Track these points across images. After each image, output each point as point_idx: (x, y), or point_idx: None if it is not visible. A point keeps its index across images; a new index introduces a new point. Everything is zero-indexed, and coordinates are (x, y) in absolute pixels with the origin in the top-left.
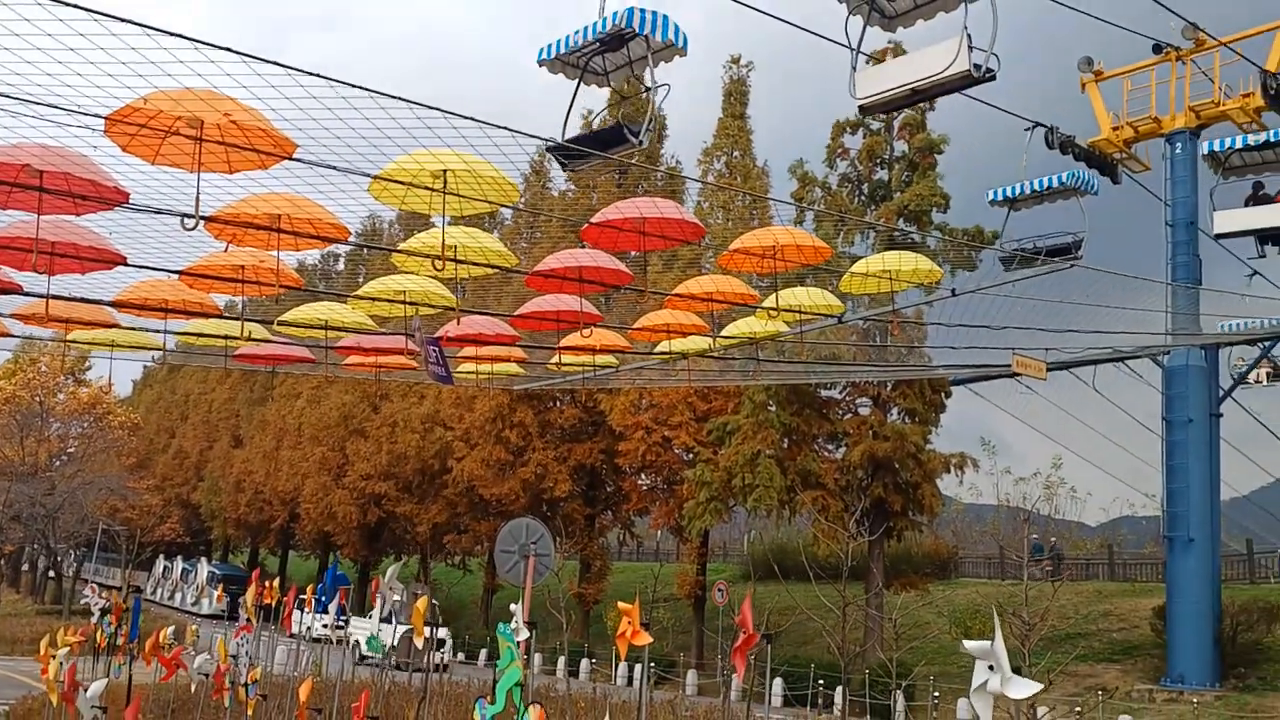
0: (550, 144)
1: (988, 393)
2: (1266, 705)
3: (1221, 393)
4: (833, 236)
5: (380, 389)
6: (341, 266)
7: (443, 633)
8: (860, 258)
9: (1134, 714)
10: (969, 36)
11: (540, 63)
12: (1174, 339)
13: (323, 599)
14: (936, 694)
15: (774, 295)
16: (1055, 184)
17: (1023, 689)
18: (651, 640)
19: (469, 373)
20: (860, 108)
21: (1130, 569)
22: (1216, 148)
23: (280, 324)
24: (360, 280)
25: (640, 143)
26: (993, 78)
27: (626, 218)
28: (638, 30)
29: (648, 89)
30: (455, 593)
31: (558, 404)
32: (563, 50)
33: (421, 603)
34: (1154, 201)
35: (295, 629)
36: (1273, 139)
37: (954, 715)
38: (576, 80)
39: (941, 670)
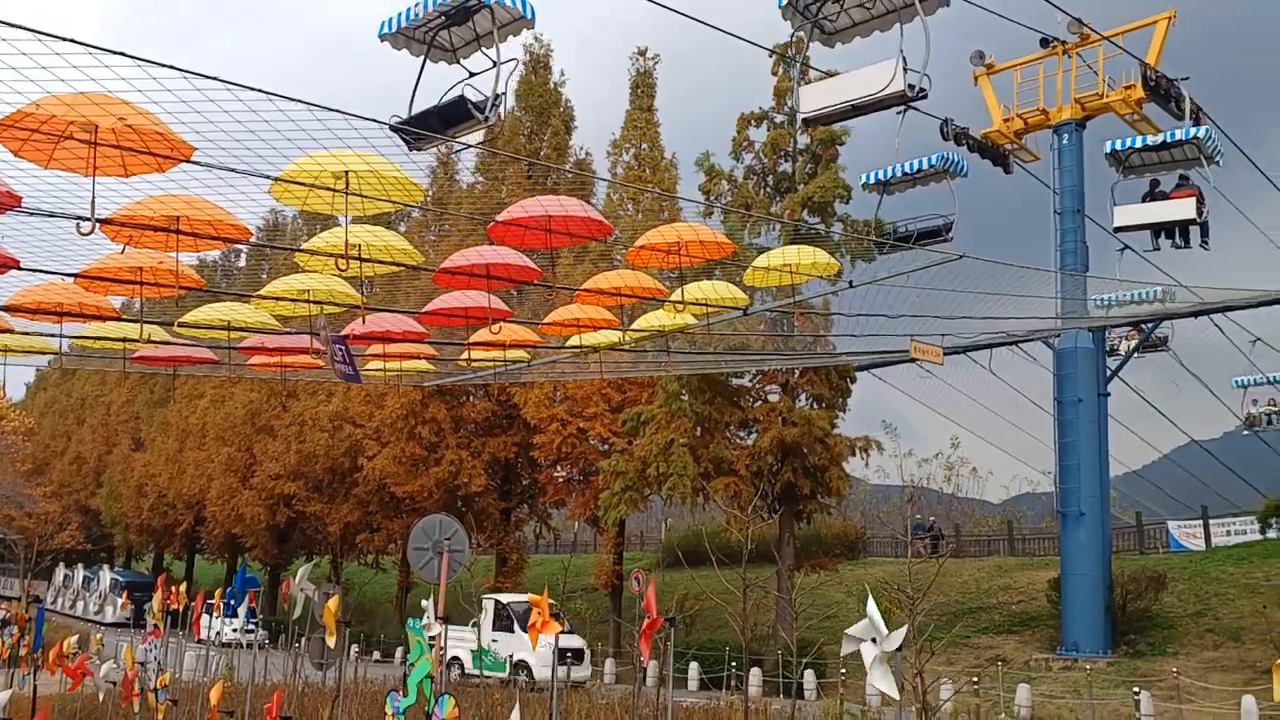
0: (393, 121)
1: (890, 377)
2: (1154, 669)
3: (1109, 373)
4: (740, 228)
5: (287, 387)
6: (244, 263)
7: (578, 642)
8: (767, 248)
9: (1031, 683)
10: (904, 59)
11: (382, 37)
12: (1063, 322)
13: (232, 602)
14: (844, 670)
15: (680, 289)
16: (926, 166)
17: (894, 639)
18: (562, 629)
19: (377, 370)
20: (803, 120)
21: (1029, 543)
22: (1118, 147)
23: (181, 325)
24: (264, 277)
25: (487, 119)
26: (925, 96)
27: (532, 216)
28: (483, 1)
29: (496, 64)
30: (368, 592)
31: (470, 399)
32: (404, 24)
33: (333, 602)
34: (1044, 190)
35: (204, 634)
36: (1169, 140)
37: (863, 691)
38: (422, 57)
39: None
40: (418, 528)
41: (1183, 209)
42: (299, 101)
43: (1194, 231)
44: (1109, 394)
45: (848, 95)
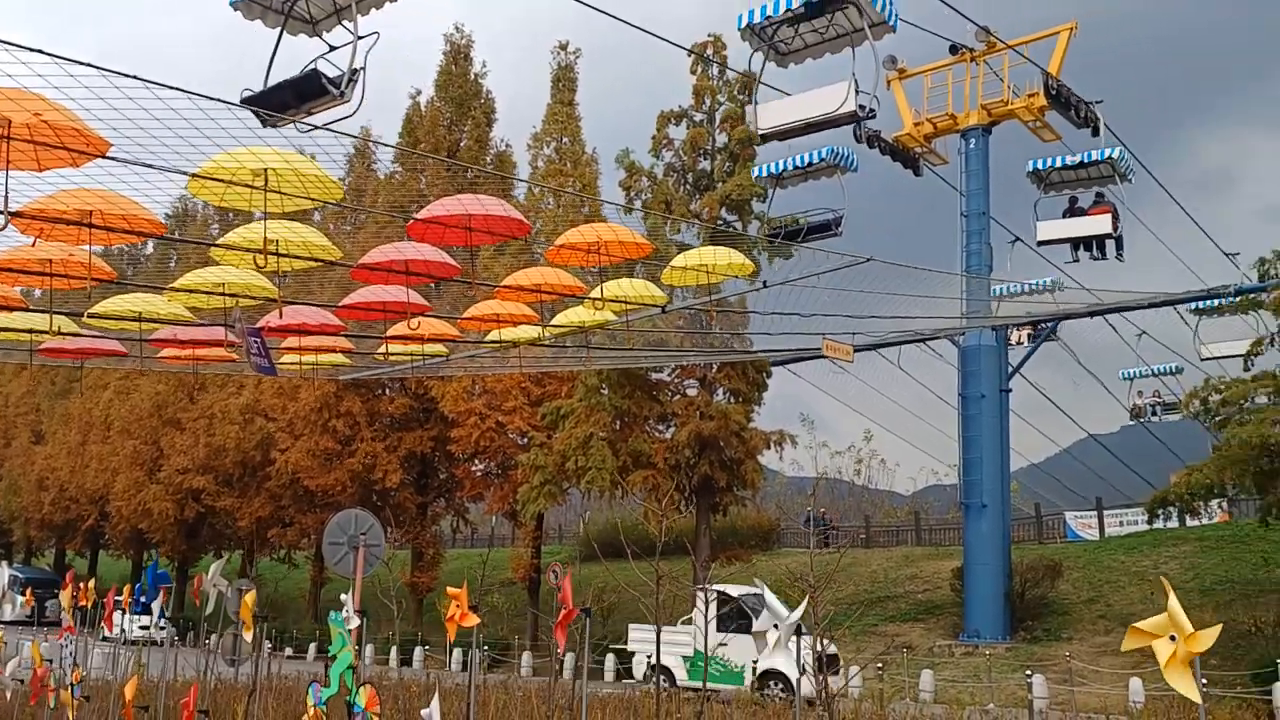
0: (245, 96)
1: (805, 372)
2: (1050, 654)
3: (1010, 369)
4: (660, 225)
5: (196, 379)
6: (150, 249)
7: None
8: (687, 245)
9: (935, 669)
10: (856, 81)
11: (234, 5)
12: (967, 321)
13: (142, 599)
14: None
15: (600, 287)
16: (817, 160)
17: (792, 617)
18: (480, 621)
19: (293, 363)
20: (761, 136)
21: (935, 534)
22: (1039, 167)
23: (91, 316)
24: (172, 265)
25: (343, 94)
26: (873, 116)
27: (453, 214)
28: None
29: (355, 37)
30: (281, 587)
31: (387, 392)
32: None
33: (249, 597)
34: (952, 191)
35: (115, 631)
36: (1085, 160)
37: None
38: (279, 29)
39: None
40: (333, 522)
41: (1099, 224)
42: (136, 79)
43: (1109, 245)
44: (1010, 390)
45: (803, 114)
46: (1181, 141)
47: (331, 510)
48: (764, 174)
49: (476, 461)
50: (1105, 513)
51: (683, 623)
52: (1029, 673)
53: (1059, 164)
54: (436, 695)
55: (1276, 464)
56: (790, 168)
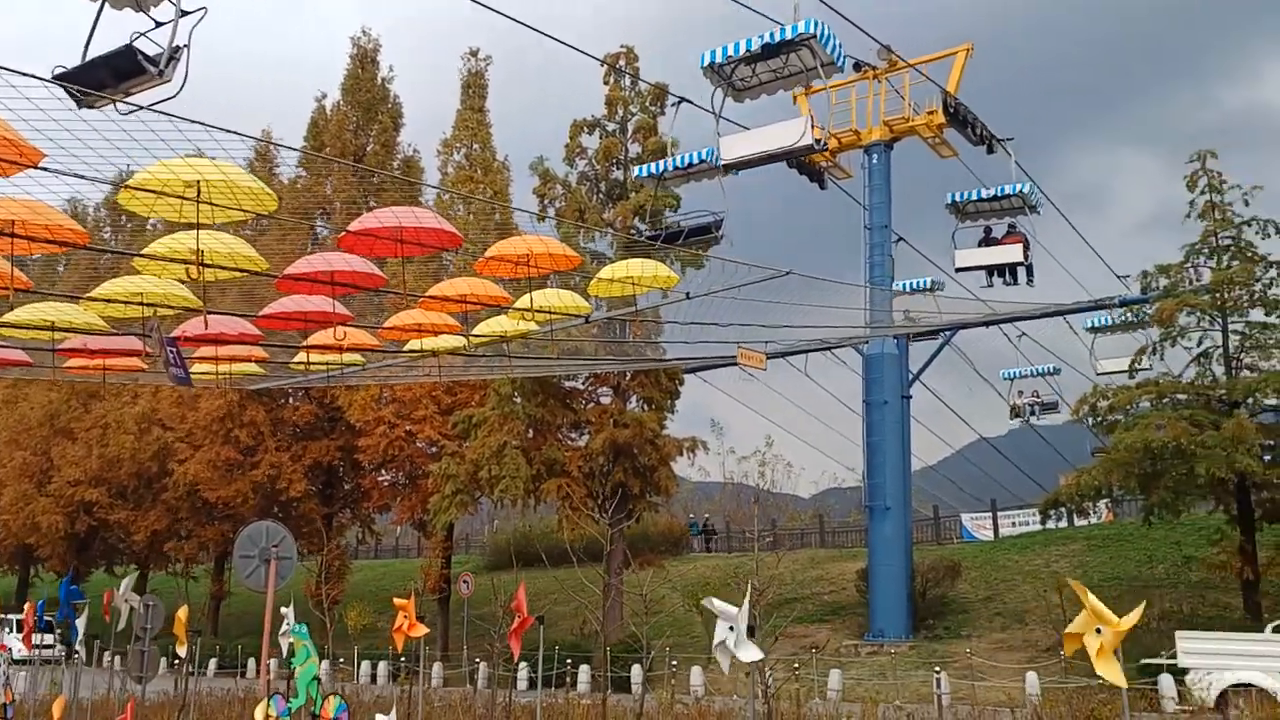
0: (57, 72)
1: (715, 379)
2: (951, 651)
3: (911, 376)
4: (573, 234)
5: (88, 388)
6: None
7: None
8: (601, 254)
9: (843, 667)
10: (812, 117)
11: None
12: (871, 331)
13: (45, 617)
14: (675, 661)
15: (528, 297)
16: (697, 161)
17: (749, 653)
18: (428, 631)
19: (207, 373)
20: (724, 166)
21: (839, 536)
22: (957, 199)
23: (2, 325)
24: (60, 269)
25: (161, 73)
26: (826, 149)
27: (385, 226)
28: None
29: (185, 13)
30: (178, 602)
31: (291, 400)
32: None
33: (182, 611)
34: (856, 206)
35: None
36: (999, 194)
37: (688, 681)
38: (99, 1)
39: (677, 641)
40: (244, 535)
41: (1012, 253)
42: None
43: (1021, 272)
44: (911, 396)
45: (764, 146)
46: (1062, 157)
47: (232, 523)
48: (644, 174)
49: (384, 471)
50: (999, 514)
51: (1274, 629)
52: (937, 669)
53: (975, 196)
54: (395, 705)
55: (1159, 467)
56: (670, 168)
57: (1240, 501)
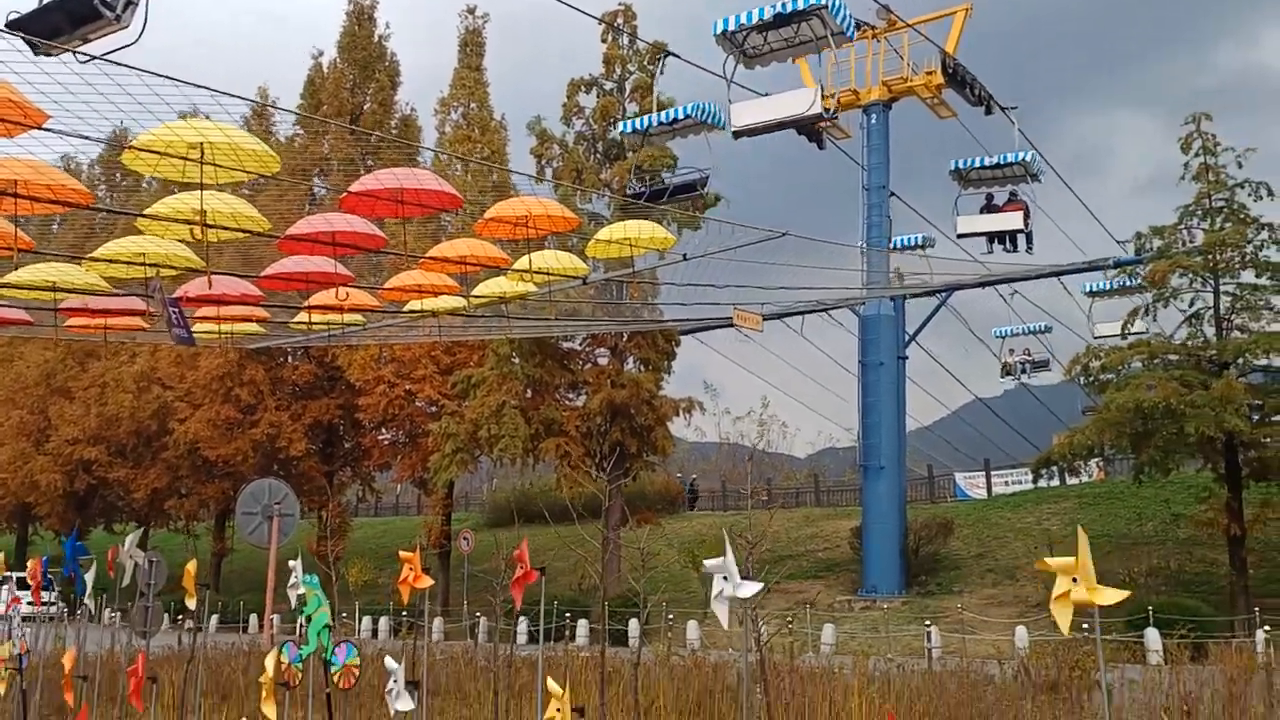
0: (11, 19)
1: (711, 340)
2: (942, 606)
3: (907, 337)
4: (570, 195)
5: (84, 347)
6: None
7: None
8: (598, 215)
9: (836, 622)
10: (821, 87)
11: None
12: (868, 291)
13: (49, 575)
14: (671, 615)
15: (527, 258)
16: (682, 116)
17: (747, 589)
18: (434, 583)
19: (209, 332)
20: (734, 133)
21: (833, 495)
22: (960, 166)
23: (3, 286)
24: (54, 228)
25: (118, 18)
26: (835, 119)
27: (386, 187)
28: None
29: None
30: (179, 560)
31: (290, 360)
32: None
33: (191, 565)
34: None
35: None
36: (1001, 162)
37: (685, 635)
38: None
39: (673, 597)
40: (246, 492)
41: (1012, 220)
42: None
43: (1021, 239)
44: (907, 357)
45: (774, 115)
46: (1060, 120)
47: (232, 481)
48: (629, 130)
49: (384, 430)
50: (992, 473)
51: None
52: (928, 624)
53: (978, 164)
54: (389, 659)
55: (1149, 426)
56: (655, 124)
57: (1228, 460)
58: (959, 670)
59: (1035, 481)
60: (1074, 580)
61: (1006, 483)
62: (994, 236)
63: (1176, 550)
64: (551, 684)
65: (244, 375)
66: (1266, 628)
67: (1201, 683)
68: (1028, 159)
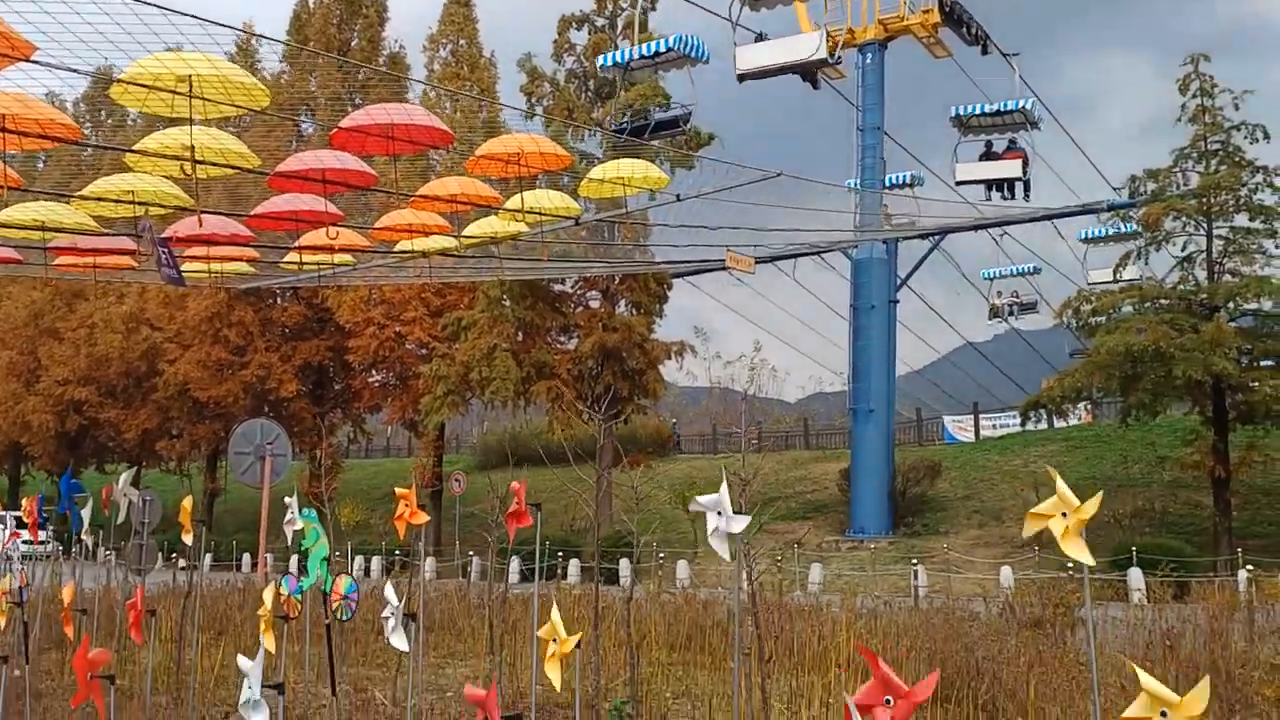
0: None
1: (703, 284)
2: (928, 546)
3: (899, 281)
4: (562, 133)
5: (72, 287)
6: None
7: None
8: (590, 154)
9: (824, 562)
10: (826, 31)
11: None
12: (860, 234)
13: (44, 512)
14: (662, 555)
15: (519, 197)
16: (664, 49)
17: (738, 524)
18: (430, 519)
19: (198, 271)
20: (739, 76)
21: (822, 438)
22: (961, 113)
23: None
24: (40, 166)
25: None
26: (840, 62)
27: (376, 123)
28: None
29: None
30: (170, 500)
31: (279, 301)
32: None
33: (187, 501)
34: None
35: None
36: (1001, 109)
37: (675, 574)
38: None
39: (664, 537)
40: (238, 432)
41: (1011, 169)
42: None
43: (1019, 187)
44: (898, 300)
45: (779, 59)
46: (1057, 61)
47: (223, 422)
48: (610, 63)
49: (375, 372)
50: (980, 417)
51: None
52: (914, 563)
53: (978, 111)
54: (389, 584)
55: (1138, 369)
56: (637, 56)
57: (1215, 403)
58: (945, 608)
59: (1023, 424)
60: (1064, 515)
61: (994, 426)
62: (992, 184)
63: (1161, 492)
64: (555, 616)
65: (233, 316)
66: (1249, 567)
67: (1184, 619)
68: (1027, 106)
